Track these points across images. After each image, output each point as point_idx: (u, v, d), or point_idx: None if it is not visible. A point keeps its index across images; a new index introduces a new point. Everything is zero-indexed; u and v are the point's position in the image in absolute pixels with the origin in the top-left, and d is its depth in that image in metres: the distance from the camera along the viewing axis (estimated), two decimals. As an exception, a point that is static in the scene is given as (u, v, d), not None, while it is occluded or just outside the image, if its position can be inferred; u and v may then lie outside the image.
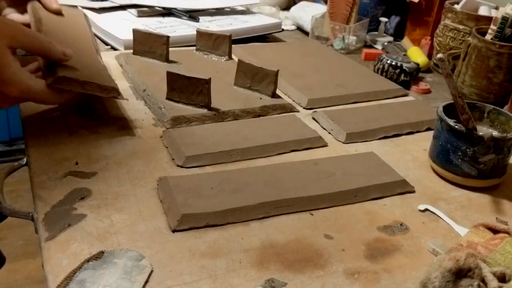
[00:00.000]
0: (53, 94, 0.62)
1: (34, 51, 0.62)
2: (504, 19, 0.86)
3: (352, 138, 0.73)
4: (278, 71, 0.79)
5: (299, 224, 0.55)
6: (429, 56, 1.11)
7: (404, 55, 1.08)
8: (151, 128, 0.70)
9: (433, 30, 1.11)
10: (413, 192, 0.62)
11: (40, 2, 0.75)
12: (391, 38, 1.23)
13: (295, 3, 1.41)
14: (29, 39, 0.61)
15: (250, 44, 1.09)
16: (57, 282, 0.44)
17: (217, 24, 1.13)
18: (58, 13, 0.77)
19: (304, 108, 0.82)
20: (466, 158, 0.62)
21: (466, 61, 0.91)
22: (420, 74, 1.03)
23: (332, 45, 1.15)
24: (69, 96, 0.65)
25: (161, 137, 0.69)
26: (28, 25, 0.67)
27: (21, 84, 0.59)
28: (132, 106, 0.76)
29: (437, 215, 0.58)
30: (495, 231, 0.50)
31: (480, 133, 0.61)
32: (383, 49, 1.15)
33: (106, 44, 1.02)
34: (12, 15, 0.75)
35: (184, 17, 1.14)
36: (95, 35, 0.98)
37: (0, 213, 0.61)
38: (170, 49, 0.90)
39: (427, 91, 0.96)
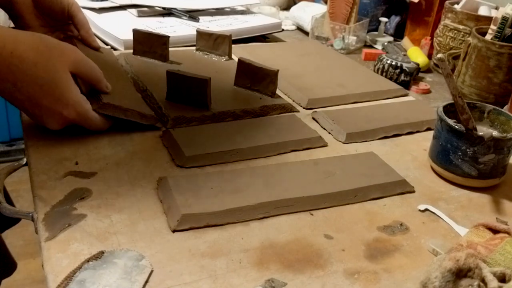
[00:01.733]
0: (102, 120, 0.66)
1: (86, 79, 0.65)
2: (504, 19, 0.86)
3: (352, 138, 0.73)
4: (278, 71, 0.79)
5: (299, 224, 0.55)
6: (429, 56, 1.11)
7: (404, 55, 1.08)
8: (151, 128, 0.70)
9: (433, 30, 1.11)
10: (413, 192, 0.62)
11: (80, 40, 0.78)
12: (391, 38, 1.23)
13: (295, 3, 1.41)
14: (87, 68, 0.64)
15: (250, 44, 1.09)
16: (57, 282, 0.44)
17: (217, 24, 1.13)
18: (97, 49, 0.81)
19: (304, 108, 0.82)
20: (466, 158, 0.62)
21: (466, 61, 0.91)
22: (420, 74, 1.03)
23: (332, 45, 1.15)
24: (110, 124, 0.68)
25: (161, 137, 0.69)
26: None
27: (79, 108, 0.62)
28: (132, 106, 0.76)
29: (437, 215, 0.58)
30: (495, 231, 0.50)
31: (480, 133, 0.61)
32: (383, 49, 1.15)
33: (106, 44, 1.02)
34: None
35: (184, 17, 1.14)
36: (95, 35, 0.98)
37: (9, 219, 0.61)
38: (170, 49, 0.90)
39: (427, 91, 0.96)
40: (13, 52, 0.57)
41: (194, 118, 0.72)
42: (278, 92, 0.82)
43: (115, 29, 1.03)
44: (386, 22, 1.24)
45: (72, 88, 0.62)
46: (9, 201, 0.87)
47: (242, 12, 1.24)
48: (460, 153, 0.62)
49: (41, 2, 0.77)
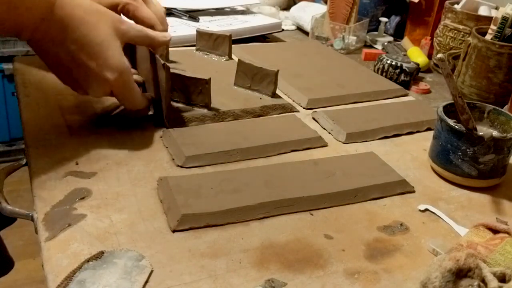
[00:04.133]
0: (142, 94, 0.66)
1: (141, 43, 0.65)
2: (504, 19, 0.86)
3: (352, 138, 0.73)
4: (278, 71, 0.79)
5: (299, 224, 0.55)
6: (429, 56, 1.11)
7: (404, 55, 1.08)
8: (151, 128, 0.70)
9: (433, 30, 1.11)
10: (413, 192, 0.62)
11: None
12: (391, 38, 1.23)
13: (295, 3, 1.41)
14: (138, 33, 0.64)
15: (250, 44, 1.09)
16: (57, 282, 0.44)
17: (217, 24, 1.13)
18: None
19: (304, 108, 0.82)
20: (466, 158, 0.62)
21: (466, 61, 0.90)
22: (420, 74, 1.03)
23: (332, 45, 1.15)
24: (147, 103, 0.69)
25: (161, 137, 0.69)
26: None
27: (125, 75, 0.61)
28: (132, 106, 0.76)
29: (437, 215, 0.58)
30: (495, 231, 0.50)
31: (480, 133, 0.61)
32: (383, 49, 1.15)
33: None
34: None
35: (184, 17, 1.14)
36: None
37: (5, 218, 0.61)
38: (170, 49, 0.90)
39: (427, 91, 0.96)
40: (64, 8, 0.56)
41: (194, 118, 0.72)
42: (278, 92, 0.82)
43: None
44: (386, 22, 1.24)
45: (121, 54, 0.61)
46: None
47: (242, 12, 1.24)
48: (460, 153, 0.62)
49: None
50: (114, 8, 0.72)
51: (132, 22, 0.64)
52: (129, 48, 0.76)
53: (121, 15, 0.74)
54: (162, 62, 0.65)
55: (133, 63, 0.76)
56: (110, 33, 0.59)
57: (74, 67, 0.59)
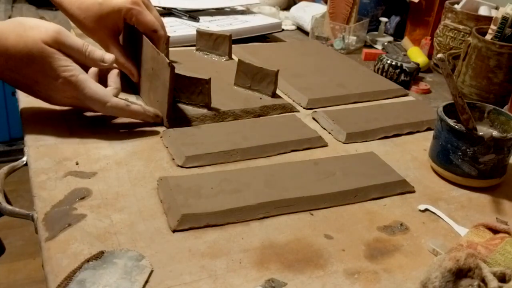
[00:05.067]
0: (103, 89, 0.66)
1: (71, 51, 0.65)
2: (504, 19, 0.86)
3: (352, 138, 0.73)
4: (278, 71, 0.79)
5: (299, 224, 0.55)
6: (429, 56, 1.11)
7: (404, 55, 1.08)
8: (151, 128, 0.70)
9: (433, 30, 1.11)
10: (413, 192, 0.62)
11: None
12: (391, 38, 1.23)
13: (295, 3, 1.41)
14: (68, 39, 0.64)
15: (250, 44, 1.09)
16: (57, 282, 0.44)
17: (217, 24, 1.13)
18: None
19: (304, 108, 0.82)
20: (466, 158, 0.62)
21: (466, 61, 0.90)
22: (420, 74, 1.03)
23: (332, 45, 1.15)
24: (117, 92, 0.69)
25: (161, 137, 0.69)
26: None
27: (71, 77, 0.64)
28: (132, 106, 0.76)
29: (437, 215, 0.58)
30: (495, 231, 0.50)
31: (480, 133, 0.61)
32: (383, 49, 1.15)
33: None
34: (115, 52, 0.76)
35: (184, 17, 1.14)
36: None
37: None
38: (170, 49, 0.90)
39: (427, 91, 0.96)
40: None
41: (194, 118, 0.72)
42: (278, 92, 0.82)
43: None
44: (386, 22, 1.24)
45: (56, 56, 0.63)
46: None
47: (242, 12, 1.24)
48: (460, 153, 0.62)
49: None
50: (118, 13, 0.73)
51: (66, 31, 0.65)
52: (134, 48, 0.76)
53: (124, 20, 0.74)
54: (168, 61, 0.65)
55: (137, 63, 0.76)
56: (39, 42, 0.62)
57: (32, 84, 0.65)
